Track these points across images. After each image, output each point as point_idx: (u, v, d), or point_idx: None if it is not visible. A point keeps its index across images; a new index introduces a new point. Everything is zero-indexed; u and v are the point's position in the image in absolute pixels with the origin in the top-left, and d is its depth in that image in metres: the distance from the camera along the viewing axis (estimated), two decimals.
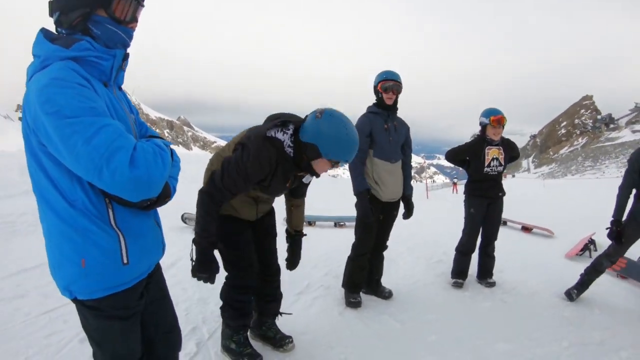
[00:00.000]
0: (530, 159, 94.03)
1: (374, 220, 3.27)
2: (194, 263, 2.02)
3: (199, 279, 2.04)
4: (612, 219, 3.36)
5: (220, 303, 2.51)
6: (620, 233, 3.35)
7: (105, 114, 1.17)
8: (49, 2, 1.26)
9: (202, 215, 2.01)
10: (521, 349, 2.76)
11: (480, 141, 3.86)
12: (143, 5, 1.37)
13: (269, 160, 2.01)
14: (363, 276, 3.45)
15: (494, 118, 3.73)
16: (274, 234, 2.66)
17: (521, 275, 4.38)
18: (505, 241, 5.52)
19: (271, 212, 2.66)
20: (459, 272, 4.01)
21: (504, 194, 3.98)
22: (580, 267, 4.03)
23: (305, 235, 2.73)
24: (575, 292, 3.68)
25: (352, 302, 3.36)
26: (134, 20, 1.34)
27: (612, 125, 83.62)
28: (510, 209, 8.69)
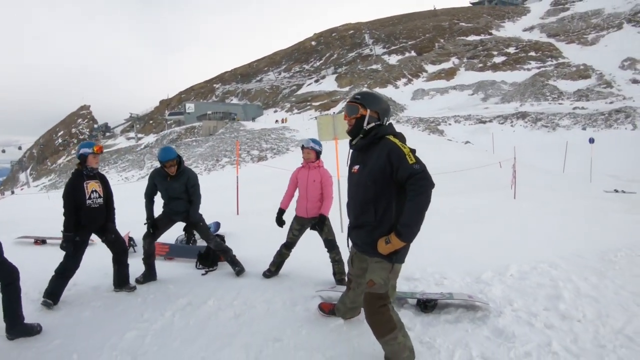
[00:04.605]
0: (28, 171, 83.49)
1: None
2: None
3: None
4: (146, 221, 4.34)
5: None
6: (155, 226, 4.38)
7: None
8: None
9: None
10: (149, 336, 3.25)
11: (79, 175, 3.91)
12: None
13: None
14: None
15: (97, 148, 3.94)
16: None
17: (99, 281, 4.46)
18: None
19: None
20: (52, 293, 3.87)
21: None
22: (132, 261, 4.40)
23: None
24: (141, 277, 4.42)
25: None
26: None
27: (108, 134, 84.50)
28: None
